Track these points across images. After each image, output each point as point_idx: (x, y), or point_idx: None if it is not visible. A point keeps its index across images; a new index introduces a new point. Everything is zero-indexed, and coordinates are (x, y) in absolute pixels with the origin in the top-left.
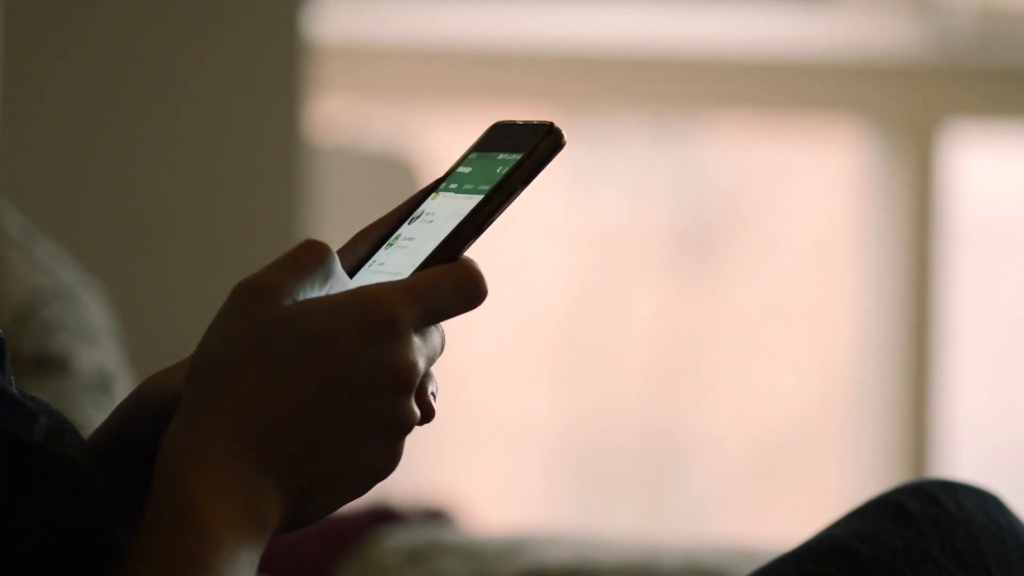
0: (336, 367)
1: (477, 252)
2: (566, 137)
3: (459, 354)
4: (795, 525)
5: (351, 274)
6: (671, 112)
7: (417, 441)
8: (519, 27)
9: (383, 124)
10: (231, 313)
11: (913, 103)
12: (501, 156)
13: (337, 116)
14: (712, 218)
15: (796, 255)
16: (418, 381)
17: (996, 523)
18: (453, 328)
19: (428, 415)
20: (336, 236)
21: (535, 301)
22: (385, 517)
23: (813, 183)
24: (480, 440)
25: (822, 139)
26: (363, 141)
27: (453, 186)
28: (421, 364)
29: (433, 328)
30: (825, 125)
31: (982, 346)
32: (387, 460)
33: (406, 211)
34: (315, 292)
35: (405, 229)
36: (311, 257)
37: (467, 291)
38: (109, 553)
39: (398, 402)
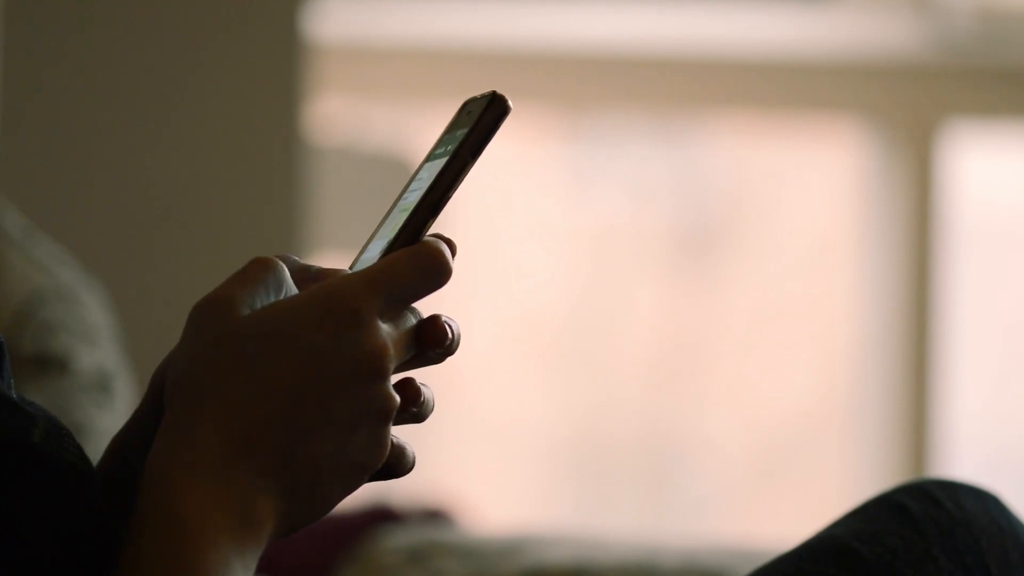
0: (306, 363)
1: (475, 252)
2: (511, 104)
3: (460, 354)
4: (795, 525)
5: (351, 264)
6: (671, 112)
7: (417, 441)
8: (519, 27)
9: (383, 124)
10: (194, 331)
11: (913, 103)
12: (458, 132)
13: (337, 116)
14: (712, 218)
15: (796, 255)
16: (391, 365)
17: (996, 523)
18: None
19: (416, 401)
20: (336, 236)
21: (535, 301)
22: (385, 517)
23: (813, 183)
24: (480, 440)
25: (822, 139)
26: (363, 141)
27: (427, 167)
28: (391, 349)
29: (407, 312)
30: (825, 125)
31: (982, 346)
32: (375, 449)
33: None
34: (269, 300)
35: (390, 216)
36: (260, 270)
37: (427, 271)
38: (107, 556)
39: (374, 389)
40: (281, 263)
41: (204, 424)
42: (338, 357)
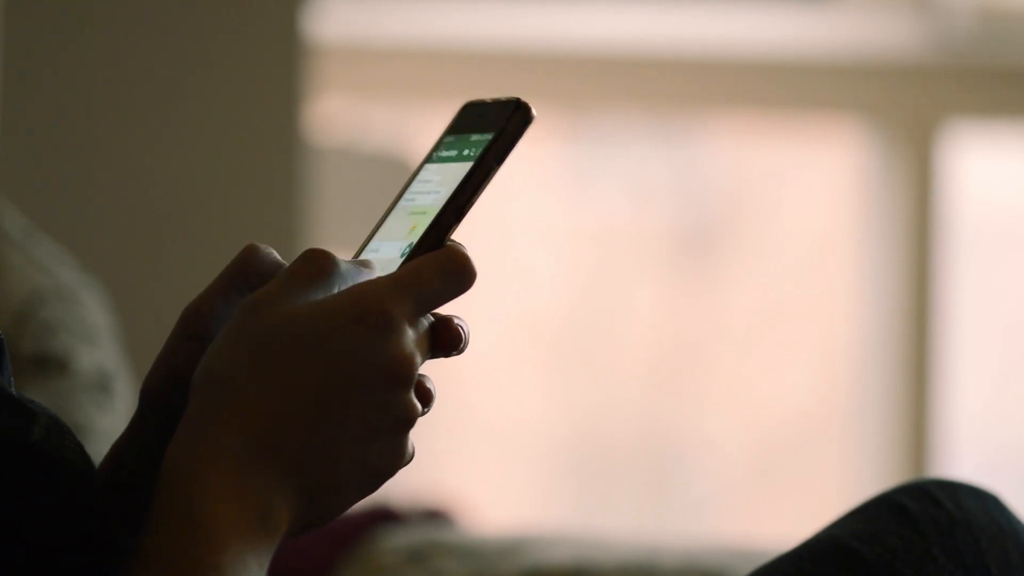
0: (335, 367)
1: (475, 252)
2: (535, 111)
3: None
4: (795, 525)
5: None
6: (671, 112)
7: (417, 441)
8: (519, 27)
9: (383, 124)
10: (234, 327)
11: (913, 103)
12: (474, 137)
13: (337, 116)
14: (712, 218)
15: (796, 255)
16: (415, 374)
17: (996, 523)
18: None
19: (427, 403)
20: (336, 236)
21: (535, 301)
22: (385, 517)
23: (813, 183)
24: (480, 440)
25: (822, 139)
26: (363, 141)
27: (433, 171)
28: (418, 356)
29: (423, 319)
30: (825, 125)
31: (982, 346)
32: (394, 456)
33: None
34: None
35: (392, 217)
36: (313, 269)
37: (455, 276)
38: (107, 554)
39: (399, 396)
40: (335, 258)
41: (227, 423)
42: (366, 363)
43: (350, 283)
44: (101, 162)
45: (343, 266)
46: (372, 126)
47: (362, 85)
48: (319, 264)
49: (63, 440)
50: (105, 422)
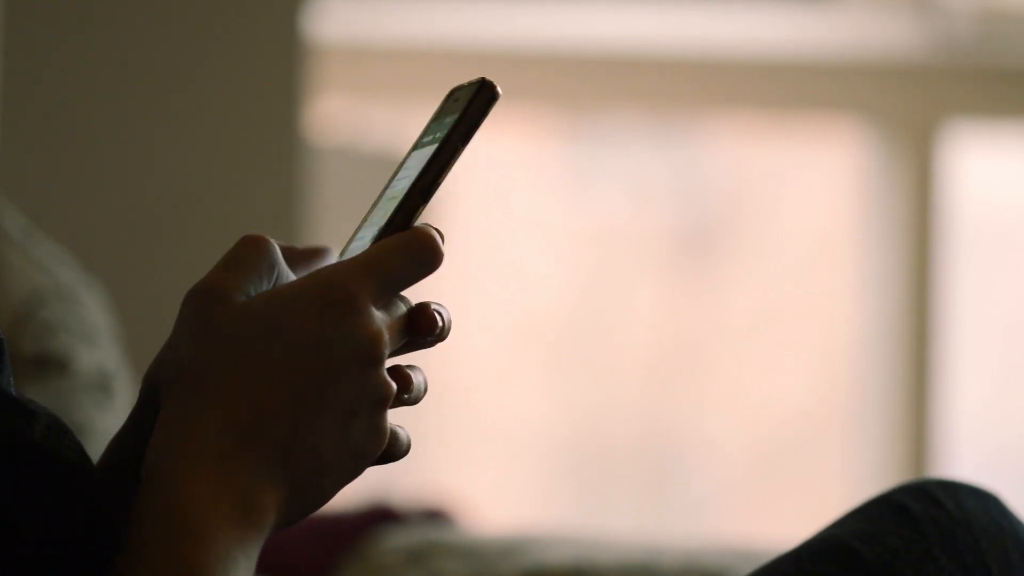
0: (305, 353)
1: (475, 252)
2: (499, 89)
3: (460, 354)
4: (795, 525)
5: (341, 253)
6: (671, 112)
7: (417, 441)
8: (519, 27)
9: (383, 124)
10: (191, 320)
11: (913, 103)
12: (446, 120)
13: (337, 116)
14: (712, 218)
15: (796, 255)
16: (385, 352)
17: (996, 523)
18: (454, 328)
19: (407, 388)
20: (336, 236)
21: (535, 301)
22: (385, 517)
23: (813, 183)
24: (480, 440)
25: (822, 139)
26: (363, 141)
27: (414, 157)
28: (385, 335)
29: (398, 301)
30: (825, 125)
31: (982, 346)
32: (374, 436)
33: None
34: (263, 285)
35: (378, 205)
36: (253, 252)
37: (420, 256)
38: (108, 554)
39: (370, 375)
40: (272, 241)
41: (206, 415)
42: (335, 345)
43: (285, 275)
44: (101, 162)
45: (280, 256)
46: (372, 126)
47: (362, 85)
48: (254, 246)
49: (63, 440)
50: (105, 422)
